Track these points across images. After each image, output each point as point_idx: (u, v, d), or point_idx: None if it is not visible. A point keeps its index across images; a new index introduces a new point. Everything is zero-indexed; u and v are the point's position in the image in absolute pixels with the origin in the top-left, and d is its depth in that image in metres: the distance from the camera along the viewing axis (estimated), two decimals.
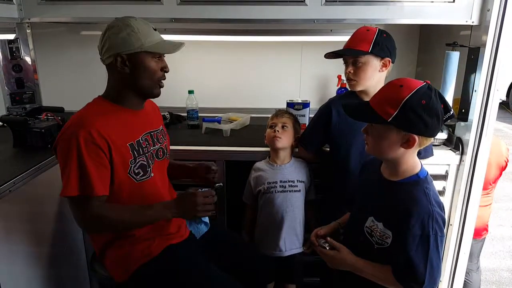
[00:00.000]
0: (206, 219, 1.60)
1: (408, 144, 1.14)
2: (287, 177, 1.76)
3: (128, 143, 1.40)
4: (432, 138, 1.19)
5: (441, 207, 1.17)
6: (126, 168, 1.39)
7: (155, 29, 1.42)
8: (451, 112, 1.16)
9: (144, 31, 1.37)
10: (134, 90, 1.43)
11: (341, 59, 1.63)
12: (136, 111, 1.48)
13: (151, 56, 1.39)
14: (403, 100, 1.10)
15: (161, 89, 1.47)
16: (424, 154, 1.64)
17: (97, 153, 1.31)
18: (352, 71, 1.58)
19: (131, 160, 1.40)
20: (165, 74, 1.46)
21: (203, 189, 1.44)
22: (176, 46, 1.43)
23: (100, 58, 1.41)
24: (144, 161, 1.44)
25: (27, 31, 2.40)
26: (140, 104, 1.51)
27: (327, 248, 1.34)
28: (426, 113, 1.10)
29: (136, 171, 1.42)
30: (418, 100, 1.10)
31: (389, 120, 1.12)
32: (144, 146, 1.46)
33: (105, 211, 1.34)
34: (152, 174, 1.47)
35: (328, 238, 1.35)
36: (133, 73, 1.38)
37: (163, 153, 1.57)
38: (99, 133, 1.30)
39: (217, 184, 1.62)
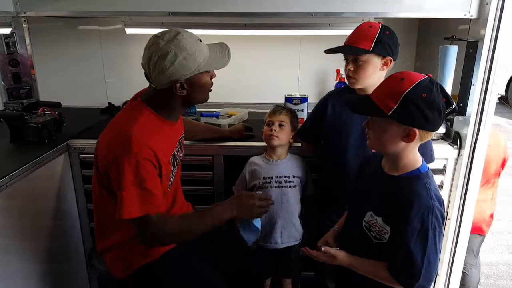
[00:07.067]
0: (259, 225, 1.56)
1: (408, 138, 1.13)
2: (282, 173, 1.75)
3: (169, 156, 1.41)
4: (433, 132, 1.17)
5: (441, 203, 1.16)
6: (167, 181, 1.42)
7: (200, 40, 1.38)
8: (453, 106, 1.14)
9: (196, 49, 1.32)
10: (187, 105, 1.47)
11: (341, 53, 1.61)
12: (175, 122, 1.48)
13: (206, 73, 1.39)
14: (404, 93, 1.09)
15: None
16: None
17: (154, 170, 1.31)
18: (352, 69, 1.55)
19: (171, 174, 1.43)
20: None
21: (258, 192, 1.56)
22: (226, 56, 1.43)
23: (147, 78, 1.37)
24: (175, 170, 1.48)
25: (24, 25, 2.38)
26: (182, 114, 1.54)
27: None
28: (426, 107, 1.09)
29: (170, 181, 1.45)
30: (419, 93, 1.09)
31: (389, 114, 1.11)
32: (177, 157, 1.49)
33: (170, 226, 1.35)
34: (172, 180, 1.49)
35: (323, 248, 1.33)
36: (191, 93, 1.38)
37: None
38: (153, 150, 1.29)
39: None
